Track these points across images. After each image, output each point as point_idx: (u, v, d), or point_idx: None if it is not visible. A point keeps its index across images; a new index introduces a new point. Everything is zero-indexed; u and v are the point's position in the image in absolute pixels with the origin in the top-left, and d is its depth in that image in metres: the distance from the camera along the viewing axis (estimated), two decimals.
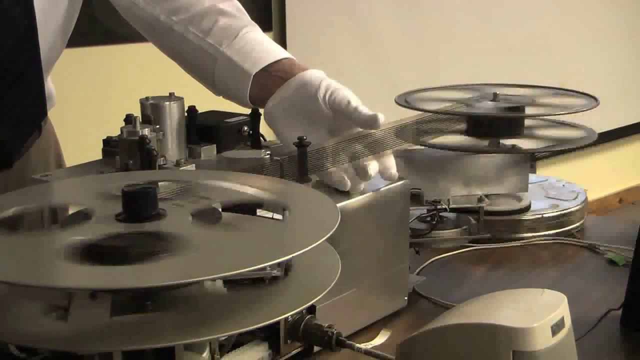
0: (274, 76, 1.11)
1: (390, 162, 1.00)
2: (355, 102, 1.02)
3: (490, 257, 1.25)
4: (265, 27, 2.90)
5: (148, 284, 0.58)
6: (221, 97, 1.21)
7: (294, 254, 0.59)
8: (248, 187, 0.80)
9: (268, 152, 0.97)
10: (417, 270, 1.17)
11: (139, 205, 0.67)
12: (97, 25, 2.37)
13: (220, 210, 0.74)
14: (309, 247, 0.60)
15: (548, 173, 1.62)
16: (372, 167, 0.96)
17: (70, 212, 0.75)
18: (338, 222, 0.65)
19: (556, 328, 0.59)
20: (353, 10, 3.22)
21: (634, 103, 4.41)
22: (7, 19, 1.12)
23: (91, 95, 2.61)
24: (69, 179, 0.95)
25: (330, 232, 0.62)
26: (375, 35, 3.33)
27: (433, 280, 1.14)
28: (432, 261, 1.21)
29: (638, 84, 4.41)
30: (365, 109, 1.01)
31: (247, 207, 0.83)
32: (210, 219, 0.70)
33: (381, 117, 0.99)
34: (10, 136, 1.19)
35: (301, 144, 0.91)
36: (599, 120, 1.80)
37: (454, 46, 3.64)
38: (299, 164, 0.91)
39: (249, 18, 1.21)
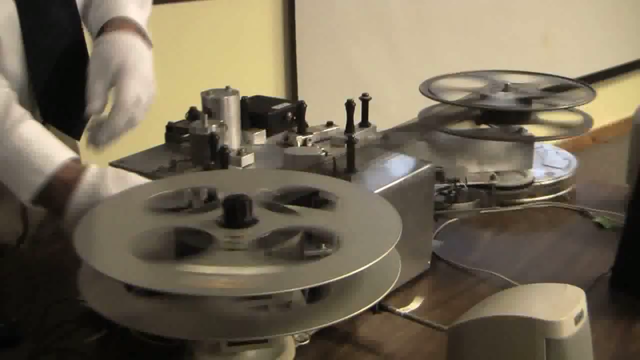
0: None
1: None
2: None
3: (496, 221, 1.35)
4: None
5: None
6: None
7: (366, 265, 0.71)
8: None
9: (323, 149, 1.07)
10: (434, 234, 1.27)
11: (238, 213, 0.77)
12: None
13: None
14: (377, 260, 0.71)
15: None
16: None
17: None
18: (400, 233, 0.76)
19: (578, 319, 0.71)
20: None
21: (605, 51, 4.51)
22: (58, 26, 1.18)
23: None
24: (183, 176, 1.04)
25: (394, 244, 0.74)
26: (384, 6, 3.36)
27: (448, 243, 1.25)
28: (445, 225, 1.30)
29: (613, 31, 4.50)
30: None
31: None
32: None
33: None
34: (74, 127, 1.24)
35: (350, 141, 1.02)
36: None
37: (457, 27, 3.69)
38: (348, 160, 1.02)
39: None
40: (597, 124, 1.69)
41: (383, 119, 2.91)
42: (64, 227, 0.99)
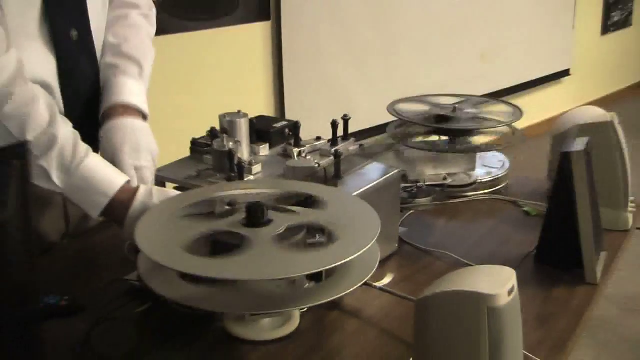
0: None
1: None
2: None
3: (447, 211, 1.41)
4: (263, 17, 2.92)
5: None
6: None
7: (359, 252, 0.78)
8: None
9: (316, 161, 1.14)
10: (400, 222, 1.32)
11: (258, 215, 0.85)
12: None
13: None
14: (365, 249, 0.79)
15: None
16: None
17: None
18: (379, 229, 0.84)
19: (510, 292, 0.78)
20: (339, 16, 3.25)
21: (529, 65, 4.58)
22: (84, 73, 1.21)
23: None
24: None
25: (375, 238, 0.81)
26: (356, 36, 3.38)
27: (411, 229, 1.30)
28: (409, 215, 1.37)
29: (540, 47, 4.55)
30: None
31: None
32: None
33: None
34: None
35: (337, 155, 1.09)
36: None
37: (425, 54, 3.73)
38: (335, 169, 1.10)
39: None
40: (530, 121, 1.77)
41: (356, 123, 2.95)
42: (124, 232, 1.06)
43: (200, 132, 1.28)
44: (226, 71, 2.88)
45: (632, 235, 1.37)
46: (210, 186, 1.07)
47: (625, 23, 5.53)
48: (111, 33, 1.27)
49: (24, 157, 0.63)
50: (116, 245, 1.15)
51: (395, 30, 3.55)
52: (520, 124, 1.54)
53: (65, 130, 1.07)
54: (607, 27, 5.32)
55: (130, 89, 1.23)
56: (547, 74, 4.69)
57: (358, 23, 3.35)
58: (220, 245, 0.84)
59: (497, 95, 4.19)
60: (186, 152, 1.27)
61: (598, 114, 1.41)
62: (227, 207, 0.92)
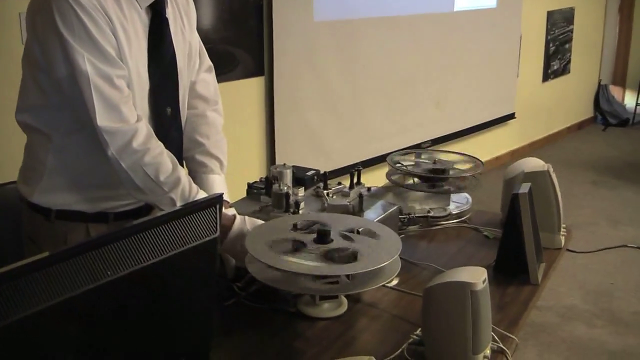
0: None
1: None
2: None
3: (428, 235, 1.88)
4: (259, 72, 3.35)
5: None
6: None
7: (391, 259, 1.28)
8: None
9: (349, 200, 1.61)
10: None
11: (326, 237, 1.33)
12: None
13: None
14: (394, 257, 1.28)
15: None
16: None
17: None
18: (401, 246, 1.33)
19: (483, 281, 1.27)
20: (318, 71, 3.61)
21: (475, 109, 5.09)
22: (175, 143, 1.58)
23: None
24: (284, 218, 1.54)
25: (399, 251, 1.31)
26: (331, 89, 3.75)
27: (404, 247, 1.65)
28: (402, 237, 1.73)
29: (488, 94, 5.03)
30: None
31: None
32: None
33: None
34: None
35: (361, 196, 1.58)
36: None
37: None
38: (359, 205, 1.58)
39: None
40: (486, 157, 2.23)
41: (331, 163, 3.49)
42: (223, 248, 1.48)
43: None
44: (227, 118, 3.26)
45: (564, 253, 1.85)
46: (282, 217, 1.54)
47: (563, 71, 6.14)
48: (197, 132, 1.66)
49: (221, 202, 1.08)
50: None
51: (362, 83, 3.94)
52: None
53: (184, 174, 1.49)
54: (548, 74, 5.90)
55: (219, 185, 1.64)
56: (495, 117, 5.14)
57: (332, 77, 3.74)
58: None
59: (452, 137, 4.68)
60: None
61: (538, 164, 1.88)
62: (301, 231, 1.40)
